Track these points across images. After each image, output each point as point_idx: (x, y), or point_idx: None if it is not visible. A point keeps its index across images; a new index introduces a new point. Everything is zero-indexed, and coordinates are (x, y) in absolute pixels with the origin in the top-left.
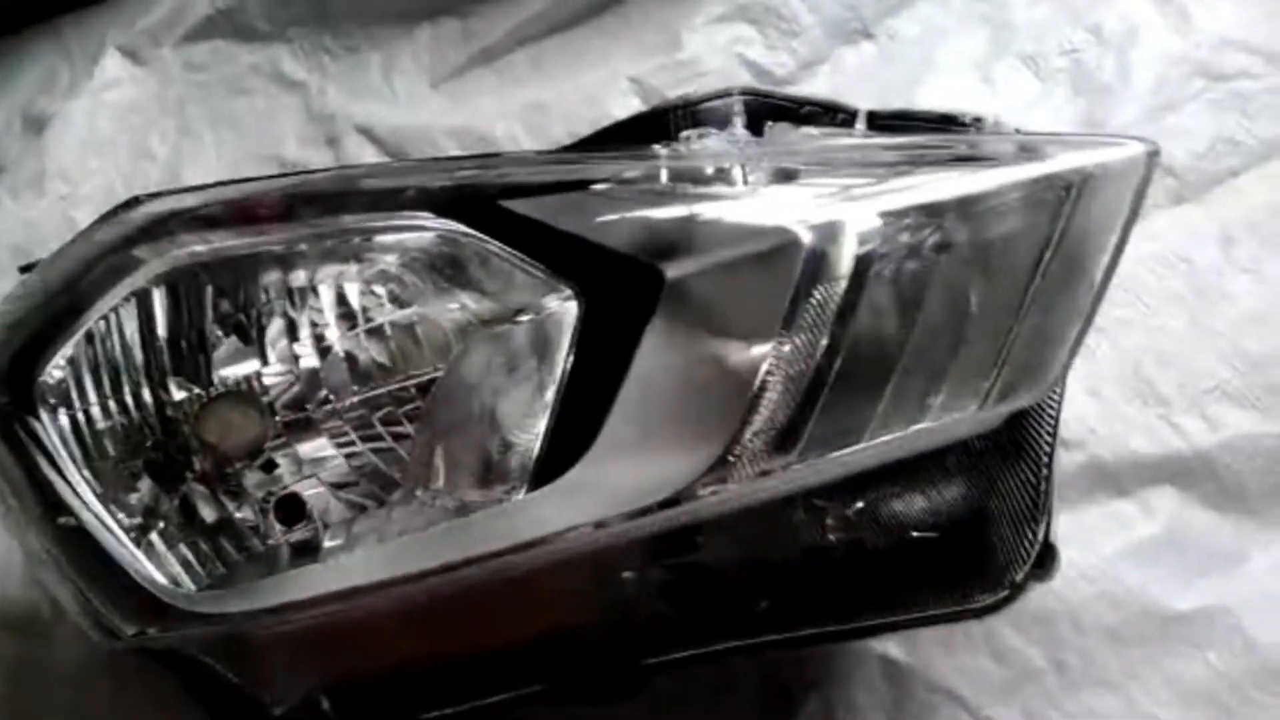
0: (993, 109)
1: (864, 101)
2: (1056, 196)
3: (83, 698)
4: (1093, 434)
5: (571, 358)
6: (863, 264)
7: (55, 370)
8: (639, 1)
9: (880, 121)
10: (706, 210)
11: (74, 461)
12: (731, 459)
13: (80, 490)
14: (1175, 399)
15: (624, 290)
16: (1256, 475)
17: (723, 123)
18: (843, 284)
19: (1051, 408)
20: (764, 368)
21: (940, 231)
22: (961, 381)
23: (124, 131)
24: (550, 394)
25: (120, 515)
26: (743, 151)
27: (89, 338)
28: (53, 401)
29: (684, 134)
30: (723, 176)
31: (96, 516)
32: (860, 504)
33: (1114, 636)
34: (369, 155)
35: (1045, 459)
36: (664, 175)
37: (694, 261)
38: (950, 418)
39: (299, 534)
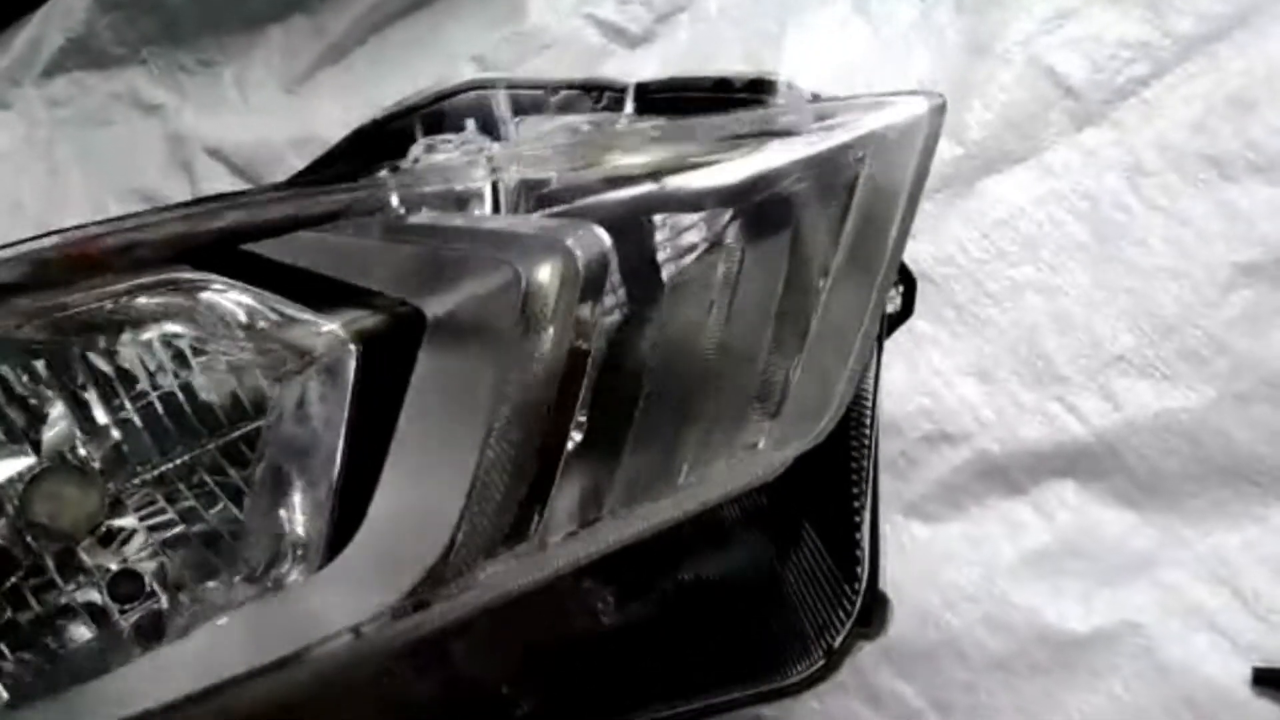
0: (871, 42)
1: (732, 49)
2: (838, 175)
3: None
4: (979, 424)
5: (352, 411)
6: (595, 291)
7: None
8: None
9: (651, 96)
10: (441, 241)
11: None
12: (453, 553)
13: None
14: (1072, 374)
15: (393, 334)
16: (1170, 459)
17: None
18: (572, 323)
19: (864, 432)
20: (476, 427)
21: (710, 238)
22: (726, 421)
23: None
24: (340, 451)
25: None
26: (480, 161)
27: None
28: None
29: (415, 146)
30: (458, 194)
31: None
32: (635, 580)
33: (1003, 668)
34: (220, 177)
35: (857, 494)
36: (394, 200)
37: (442, 299)
38: (724, 468)
39: (140, 611)
